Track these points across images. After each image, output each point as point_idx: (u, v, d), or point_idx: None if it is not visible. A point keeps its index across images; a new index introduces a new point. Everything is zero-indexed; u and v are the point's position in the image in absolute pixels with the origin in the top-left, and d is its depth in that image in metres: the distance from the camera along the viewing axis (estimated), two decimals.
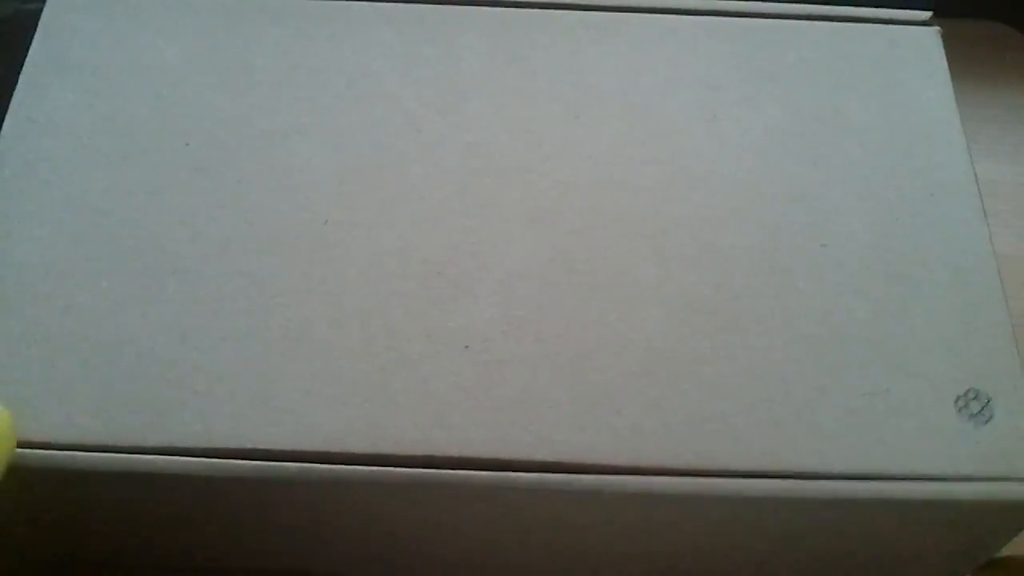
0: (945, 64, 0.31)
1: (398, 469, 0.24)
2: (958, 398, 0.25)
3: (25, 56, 0.30)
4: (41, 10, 0.31)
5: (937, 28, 0.32)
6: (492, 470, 0.24)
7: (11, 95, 0.29)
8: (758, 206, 0.28)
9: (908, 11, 0.32)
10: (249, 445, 0.24)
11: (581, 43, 0.31)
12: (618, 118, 0.29)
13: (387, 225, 0.27)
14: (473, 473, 0.24)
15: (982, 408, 0.25)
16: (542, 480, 0.24)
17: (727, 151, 0.29)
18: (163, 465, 0.24)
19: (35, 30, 0.30)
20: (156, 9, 0.31)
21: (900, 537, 0.26)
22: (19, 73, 0.30)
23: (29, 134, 0.28)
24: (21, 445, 0.24)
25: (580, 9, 0.31)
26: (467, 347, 0.26)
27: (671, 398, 0.25)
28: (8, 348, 0.25)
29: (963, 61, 0.42)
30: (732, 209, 0.28)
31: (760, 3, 0.32)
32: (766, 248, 0.27)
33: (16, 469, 0.24)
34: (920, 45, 0.31)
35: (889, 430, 0.25)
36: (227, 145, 0.28)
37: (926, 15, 0.32)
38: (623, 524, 0.26)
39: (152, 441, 0.24)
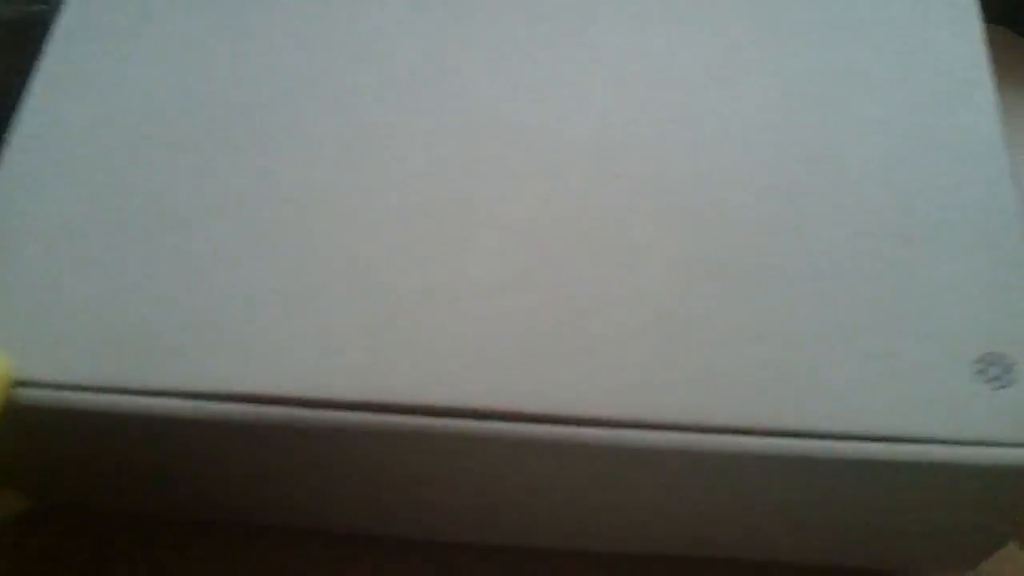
0: (980, 26, 0.30)
1: (385, 416, 0.24)
2: (976, 361, 0.24)
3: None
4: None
5: None
6: (483, 419, 0.23)
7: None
8: (769, 166, 0.27)
9: None
10: (239, 389, 0.24)
11: (595, 1, 0.30)
12: (628, 75, 0.29)
13: (387, 182, 0.27)
14: (461, 422, 0.23)
15: (1002, 372, 0.24)
16: (533, 432, 0.23)
17: (740, 109, 0.28)
18: (155, 406, 0.24)
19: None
20: None
21: (906, 511, 0.25)
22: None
23: (54, 95, 0.29)
24: (27, 384, 0.24)
25: None
26: (461, 301, 0.25)
27: (671, 355, 0.24)
28: (14, 294, 0.25)
29: None
30: (741, 168, 0.27)
31: None
32: (775, 207, 0.26)
33: (25, 409, 0.24)
34: (954, 6, 0.30)
35: (899, 393, 0.24)
36: (236, 105, 0.28)
37: None
38: (618, 483, 0.25)
39: (149, 384, 0.24)
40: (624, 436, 0.23)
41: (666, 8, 0.30)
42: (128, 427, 0.24)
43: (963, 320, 0.25)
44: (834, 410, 0.23)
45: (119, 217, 0.27)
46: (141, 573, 0.31)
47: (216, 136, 0.28)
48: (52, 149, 0.28)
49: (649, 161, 0.27)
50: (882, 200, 0.26)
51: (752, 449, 0.23)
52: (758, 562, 0.30)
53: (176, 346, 0.25)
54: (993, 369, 0.24)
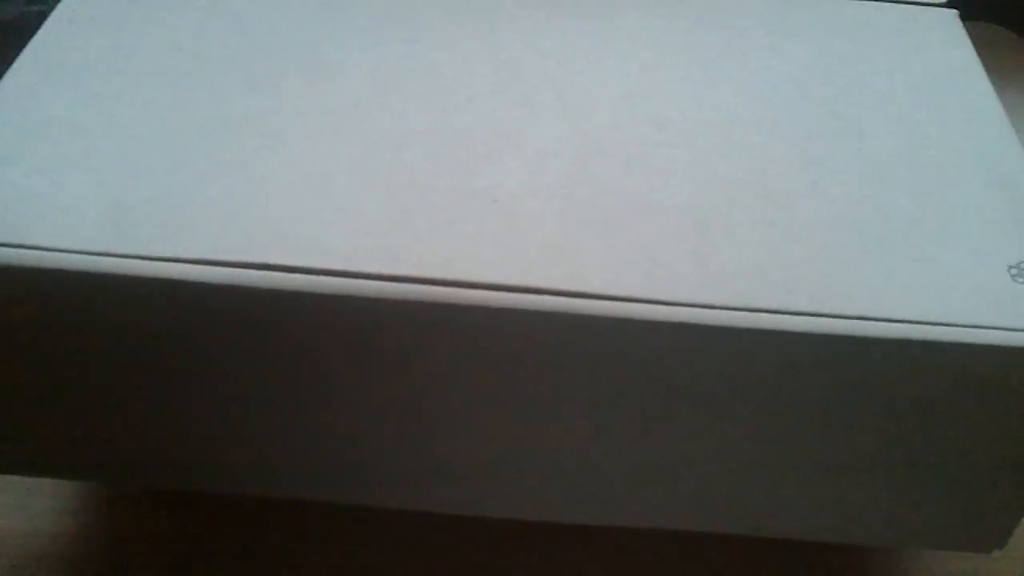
0: (965, 34, 0.32)
1: (417, 286, 0.22)
2: (1011, 267, 0.24)
3: None
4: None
5: (955, 11, 0.33)
6: (514, 292, 0.22)
7: None
8: (791, 116, 0.28)
9: None
10: (261, 260, 0.23)
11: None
12: (648, 50, 0.30)
13: (416, 110, 0.27)
14: (497, 294, 0.22)
15: None
16: (569, 304, 0.22)
17: (756, 80, 0.29)
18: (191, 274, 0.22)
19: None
20: None
21: (935, 430, 0.24)
22: None
23: (70, 31, 0.29)
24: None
25: None
26: (495, 201, 0.25)
27: (708, 251, 0.24)
28: (27, 175, 0.24)
29: None
30: (763, 117, 0.28)
31: None
32: (800, 147, 0.27)
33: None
34: (940, 19, 0.32)
35: (943, 288, 0.23)
36: (263, 46, 0.29)
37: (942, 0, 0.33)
38: (646, 372, 0.23)
39: (187, 252, 0.23)
40: (653, 311, 0.22)
41: (678, 9, 0.32)
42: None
43: (991, 235, 0.25)
44: (870, 299, 0.23)
45: (135, 120, 0.26)
46: None
47: (237, 69, 0.28)
48: (61, 67, 0.27)
49: (674, 109, 0.28)
50: (900, 147, 0.27)
51: (782, 326, 0.22)
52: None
53: (178, 219, 0.23)
54: None
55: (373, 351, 0.23)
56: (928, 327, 0.22)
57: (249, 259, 0.23)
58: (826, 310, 0.23)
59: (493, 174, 0.25)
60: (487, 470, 0.26)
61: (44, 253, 0.22)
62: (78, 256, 0.22)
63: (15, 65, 0.27)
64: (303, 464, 0.27)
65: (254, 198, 0.24)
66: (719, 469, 0.26)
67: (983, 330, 0.22)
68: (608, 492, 0.27)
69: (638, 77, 0.29)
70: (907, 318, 0.23)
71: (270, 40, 0.29)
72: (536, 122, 0.27)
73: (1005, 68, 0.45)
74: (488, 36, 0.30)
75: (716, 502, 0.27)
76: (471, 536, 0.31)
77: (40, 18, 0.31)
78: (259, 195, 0.24)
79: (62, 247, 0.23)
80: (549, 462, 0.26)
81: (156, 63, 0.28)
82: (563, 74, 0.29)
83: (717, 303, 0.23)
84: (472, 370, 0.24)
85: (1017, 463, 0.25)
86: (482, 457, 0.26)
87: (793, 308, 0.23)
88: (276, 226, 0.23)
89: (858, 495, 0.26)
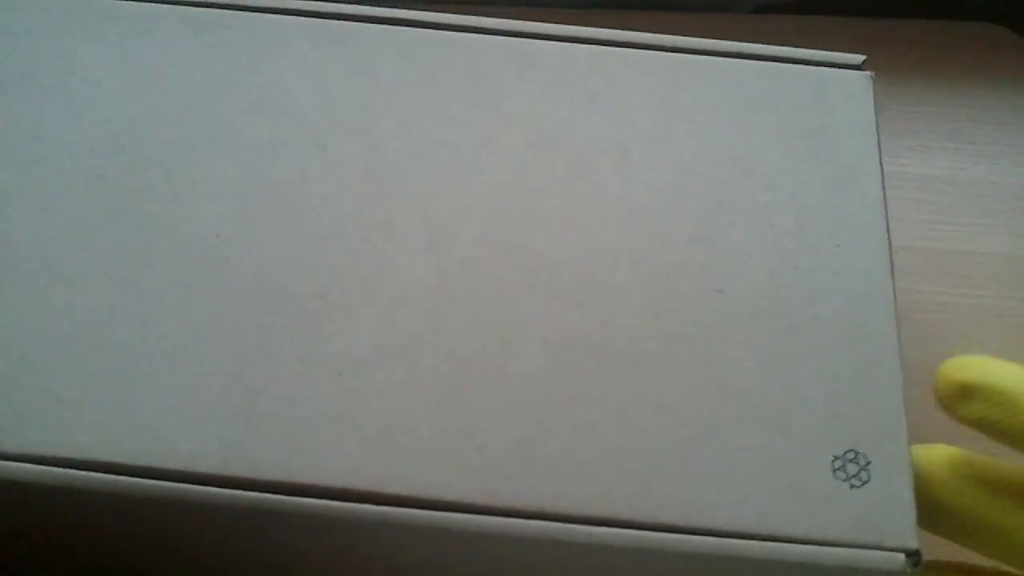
0: (872, 113, 0.30)
1: (246, 493, 0.24)
2: (835, 458, 0.25)
3: None
4: None
5: (869, 73, 0.31)
6: (341, 500, 0.24)
7: None
8: (656, 246, 0.27)
9: (842, 54, 0.31)
10: (103, 458, 0.24)
11: (498, 69, 0.30)
12: (527, 147, 0.29)
13: (278, 242, 0.27)
14: (321, 502, 0.24)
15: (859, 471, 0.24)
16: (387, 514, 0.23)
17: (632, 188, 0.28)
18: (15, 472, 0.24)
19: None
20: (78, 15, 0.31)
21: None
22: None
23: None
24: None
25: (499, 35, 0.31)
26: (340, 373, 0.25)
27: (537, 439, 0.25)
28: None
29: (959, 62, 0.43)
30: (629, 247, 0.27)
31: (688, 39, 0.31)
32: (659, 290, 0.27)
33: None
34: (850, 91, 0.31)
35: (760, 488, 0.24)
36: (129, 153, 0.28)
37: (859, 59, 0.31)
38: (474, 570, 0.25)
39: (8, 447, 0.24)
40: (471, 521, 0.23)
41: (568, 85, 0.30)
42: None
43: (827, 414, 0.25)
44: (691, 504, 0.24)
45: None
46: None
47: (101, 184, 0.28)
48: None
49: (539, 235, 0.27)
50: (762, 286, 0.27)
51: (599, 540, 0.23)
52: None
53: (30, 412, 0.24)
54: (851, 467, 0.24)
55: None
56: (733, 541, 0.23)
57: (90, 457, 0.24)
58: (639, 516, 0.24)
59: (343, 334, 0.26)
60: None
61: None
62: None
63: None
64: None
65: (99, 378, 0.25)
66: None
67: (784, 545, 0.23)
68: None
69: (508, 190, 0.28)
70: (717, 528, 0.24)
71: (134, 145, 0.28)
72: (395, 257, 0.27)
73: (1005, 68, 0.43)
74: (364, 130, 0.29)
75: None
76: None
77: None
78: (103, 374, 0.25)
79: None
80: None
81: (13, 180, 0.28)
82: (431, 186, 0.28)
83: (531, 509, 0.24)
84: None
85: None
86: None
87: (607, 514, 0.24)
88: (115, 416, 0.24)
89: None
